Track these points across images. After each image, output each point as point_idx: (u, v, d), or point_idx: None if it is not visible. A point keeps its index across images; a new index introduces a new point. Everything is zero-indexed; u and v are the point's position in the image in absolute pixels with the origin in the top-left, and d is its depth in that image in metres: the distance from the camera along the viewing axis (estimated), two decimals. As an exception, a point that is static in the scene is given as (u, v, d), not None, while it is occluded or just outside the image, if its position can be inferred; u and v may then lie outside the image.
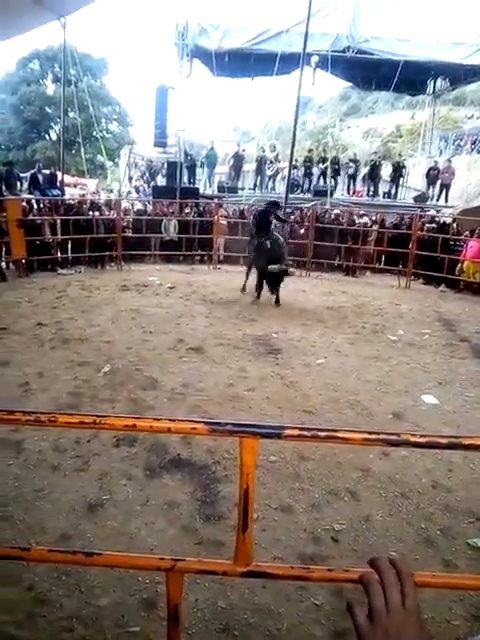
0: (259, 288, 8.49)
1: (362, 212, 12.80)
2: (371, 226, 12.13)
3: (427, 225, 11.70)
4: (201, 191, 15.89)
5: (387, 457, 3.80)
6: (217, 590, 2.51)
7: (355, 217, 12.47)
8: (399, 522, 3.12)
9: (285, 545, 2.86)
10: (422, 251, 10.89)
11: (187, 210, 13.02)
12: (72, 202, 12.09)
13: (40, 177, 13.23)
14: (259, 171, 17.04)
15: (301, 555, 2.77)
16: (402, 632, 0.58)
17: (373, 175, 17.13)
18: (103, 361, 5.46)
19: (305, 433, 1.28)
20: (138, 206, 13.33)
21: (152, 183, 17.37)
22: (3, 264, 9.81)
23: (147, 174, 18.35)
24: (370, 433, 1.31)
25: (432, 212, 13.82)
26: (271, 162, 16.85)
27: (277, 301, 8.50)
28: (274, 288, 8.40)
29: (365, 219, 12.14)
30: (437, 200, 16.34)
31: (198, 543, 2.84)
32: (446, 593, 2.48)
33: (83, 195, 14.97)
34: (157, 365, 5.44)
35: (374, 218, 12.64)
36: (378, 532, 3.01)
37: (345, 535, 2.97)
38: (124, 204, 12.78)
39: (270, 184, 17.40)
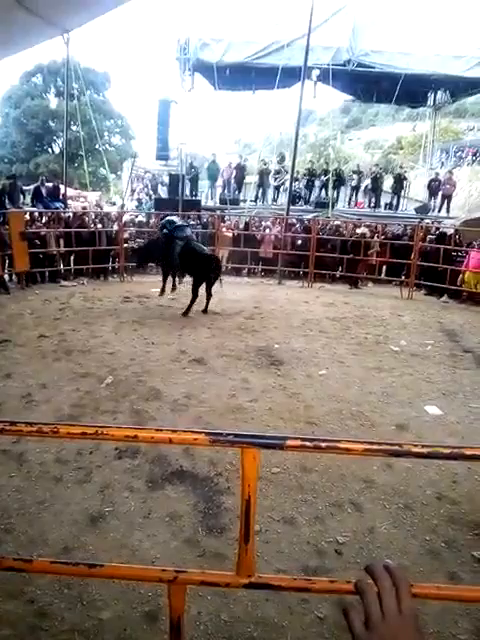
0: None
1: (362, 223, 12.82)
2: (371, 237, 12.15)
3: (429, 236, 11.72)
4: (203, 203, 15.97)
5: (391, 468, 3.77)
6: (220, 603, 2.49)
7: (356, 228, 12.50)
8: (403, 534, 3.09)
9: (288, 557, 2.84)
10: (424, 262, 10.91)
11: (191, 222, 13.08)
12: (73, 213, 12.13)
13: (43, 190, 13.31)
14: (261, 183, 17.13)
15: (304, 567, 2.75)
16: (398, 637, 0.58)
17: (375, 187, 17.22)
18: (105, 372, 5.47)
19: (307, 444, 1.28)
20: (140, 218, 13.40)
21: (154, 195, 17.48)
22: (6, 276, 9.85)
23: (149, 186, 18.48)
24: (372, 443, 1.31)
25: (427, 222, 13.82)
26: (278, 172, 16.91)
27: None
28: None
29: (363, 229, 12.15)
30: (439, 211, 16.41)
31: (200, 555, 2.82)
32: (451, 606, 2.46)
33: (84, 208, 15.05)
34: (159, 376, 5.44)
35: (375, 228, 12.66)
36: (382, 544, 2.99)
37: (349, 547, 2.95)
38: (126, 216, 12.85)
39: (271, 196, 17.49)
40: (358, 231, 12.14)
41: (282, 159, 17.91)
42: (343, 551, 2.91)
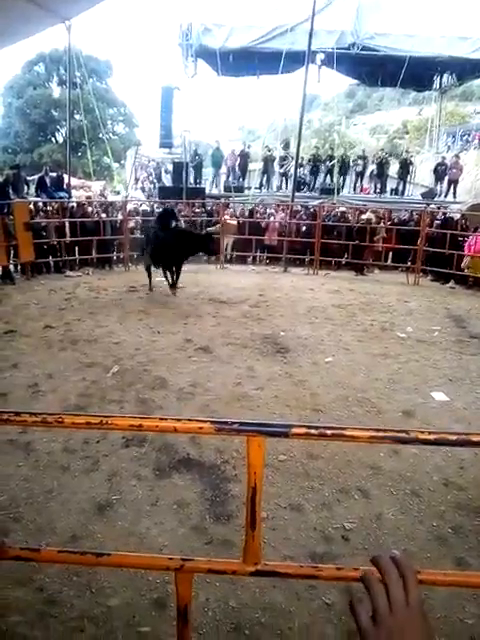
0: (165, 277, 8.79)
1: (368, 209, 12.71)
2: (377, 223, 12.05)
3: (435, 221, 11.60)
4: (207, 191, 15.90)
5: (397, 455, 3.77)
6: (228, 589, 2.50)
7: (361, 214, 12.40)
8: (410, 520, 3.09)
9: (295, 544, 2.85)
10: (431, 248, 10.83)
11: (197, 210, 13.05)
12: (76, 203, 12.10)
13: (47, 180, 13.29)
14: (265, 170, 17.00)
15: (312, 554, 2.76)
16: (405, 630, 0.57)
17: (380, 172, 17.07)
18: (111, 362, 5.48)
19: (312, 431, 1.27)
20: (144, 207, 13.36)
21: (158, 184, 17.41)
22: (11, 267, 9.86)
23: (153, 175, 18.40)
24: (377, 430, 1.30)
25: (434, 207, 13.68)
26: (283, 159, 16.77)
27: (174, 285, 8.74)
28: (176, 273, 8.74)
29: (369, 215, 12.04)
30: (445, 196, 16.25)
31: (208, 543, 2.83)
32: (459, 591, 2.46)
33: (89, 197, 15.02)
34: (165, 365, 5.44)
35: (382, 214, 12.55)
36: (389, 530, 2.99)
37: (356, 534, 2.95)
38: (131, 205, 12.81)
39: (276, 182, 17.37)
40: (363, 217, 12.04)
41: (287, 145, 17.75)
42: (350, 537, 2.92)
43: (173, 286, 8.74)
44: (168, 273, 8.74)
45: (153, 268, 8.93)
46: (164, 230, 8.52)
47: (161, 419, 1.33)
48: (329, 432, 1.28)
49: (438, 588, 2.37)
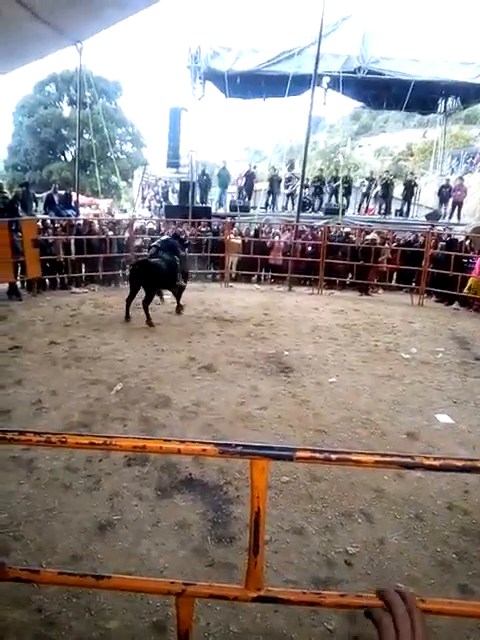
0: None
1: (373, 230, 12.77)
2: (382, 243, 12.10)
3: (440, 242, 11.62)
4: (213, 210, 16.03)
5: (401, 478, 3.73)
6: (229, 614, 2.46)
7: (366, 235, 12.45)
8: (414, 545, 3.05)
9: (298, 568, 2.82)
10: (435, 269, 10.85)
11: (203, 228, 13.14)
12: (83, 221, 12.20)
13: (56, 197, 13.45)
14: (271, 190, 17.15)
15: (314, 578, 2.72)
16: None
17: (385, 193, 17.19)
18: (115, 379, 5.48)
19: (317, 455, 1.27)
20: (151, 225, 13.47)
21: (165, 203, 17.57)
22: (18, 283, 9.93)
23: (159, 194, 18.58)
24: (383, 455, 1.29)
25: (438, 228, 13.71)
26: (289, 179, 16.92)
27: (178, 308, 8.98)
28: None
29: (373, 235, 12.10)
30: (450, 218, 16.33)
31: (209, 565, 2.80)
32: (463, 620, 2.41)
33: (97, 215, 15.17)
34: (169, 383, 5.44)
35: (386, 236, 12.61)
36: (392, 555, 2.95)
37: (359, 558, 2.91)
38: (137, 224, 12.92)
39: (281, 203, 17.50)
40: (368, 237, 12.10)
41: (291, 166, 17.93)
42: (353, 562, 2.88)
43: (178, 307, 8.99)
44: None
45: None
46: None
47: (165, 440, 1.33)
48: (334, 457, 1.27)
49: (441, 616, 2.32)
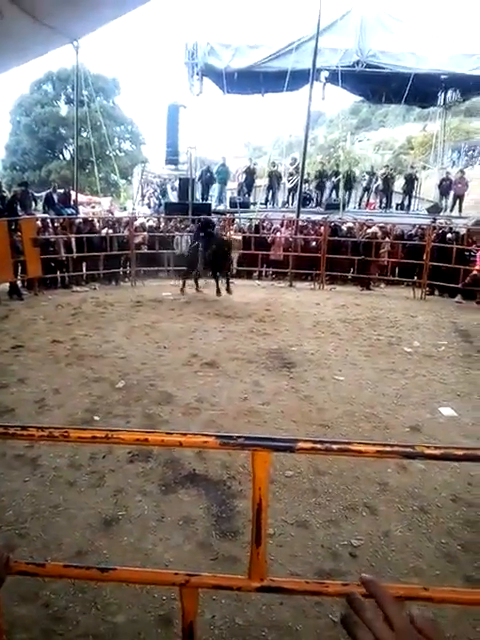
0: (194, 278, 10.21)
1: (374, 224, 12.72)
2: (383, 237, 12.06)
3: (448, 235, 11.50)
4: (213, 207, 16.01)
5: (405, 471, 3.74)
6: (234, 607, 2.48)
7: (367, 229, 12.40)
8: (418, 537, 3.06)
9: (302, 561, 2.83)
10: (437, 262, 10.81)
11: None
12: (83, 219, 12.20)
13: (55, 196, 13.45)
14: (271, 186, 17.12)
15: (319, 571, 2.73)
16: None
17: (386, 187, 17.15)
18: (118, 377, 5.49)
19: (318, 446, 1.27)
20: (151, 223, 13.46)
21: (163, 199, 17.55)
22: (19, 282, 9.94)
23: (158, 191, 18.58)
24: (384, 445, 1.30)
25: (440, 222, 13.65)
26: (291, 174, 16.86)
27: (223, 290, 9.80)
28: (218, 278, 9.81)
29: (374, 229, 12.06)
30: (451, 211, 16.28)
31: (214, 559, 2.81)
32: (468, 610, 2.42)
33: (95, 213, 15.18)
34: (171, 380, 5.45)
35: (387, 229, 12.56)
36: (397, 547, 2.96)
37: (363, 550, 2.92)
38: (137, 221, 12.90)
39: (281, 198, 17.47)
40: (369, 231, 12.06)
41: (294, 161, 17.88)
42: (358, 554, 2.89)
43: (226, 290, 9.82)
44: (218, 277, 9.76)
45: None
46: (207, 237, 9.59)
47: (167, 434, 1.33)
48: (335, 447, 1.28)
49: (448, 606, 2.33)
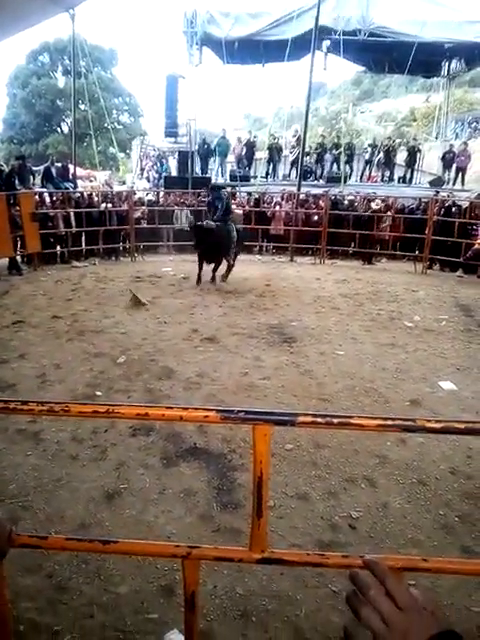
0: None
1: (376, 197, 12.58)
2: (385, 211, 11.94)
3: (453, 208, 11.36)
4: (213, 180, 15.82)
5: (404, 444, 3.77)
6: (235, 577, 2.52)
7: (373, 204, 12.25)
8: (417, 509, 3.10)
9: (302, 532, 2.87)
10: (439, 236, 10.72)
11: (203, 199, 12.94)
12: (80, 194, 12.06)
13: (53, 170, 13.27)
14: (271, 159, 16.87)
15: (319, 542, 2.77)
16: (412, 632, 0.56)
17: (388, 160, 16.92)
18: (119, 352, 5.50)
19: (319, 420, 1.27)
20: (150, 197, 13.32)
21: (163, 173, 17.33)
22: (18, 258, 9.89)
23: (157, 165, 18.33)
24: (385, 419, 1.29)
25: (443, 195, 13.49)
26: (294, 147, 16.58)
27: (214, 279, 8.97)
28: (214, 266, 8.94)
29: (377, 203, 11.94)
30: (453, 184, 16.08)
31: (215, 531, 2.85)
32: (465, 580, 2.46)
33: (93, 187, 15.00)
34: (172, 355, 5.45)
35: (388, 203, 12.42)
36: (396, 519, 3.00)
37: (363, 522, 2.96)
38: (137, 195, 12.77)
39: (282, 171, 17.23)
40: (373, 205, 11.95)
41: (297, 133, 17.56)
42: (357, 526, 2.93)
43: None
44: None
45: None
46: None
47: (167, 408, 1.33)
48: (336, 421, 1.27)
49: (445, 576, 2.37)
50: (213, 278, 8.93)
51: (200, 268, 8.76)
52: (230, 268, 9.13)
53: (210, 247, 8.39)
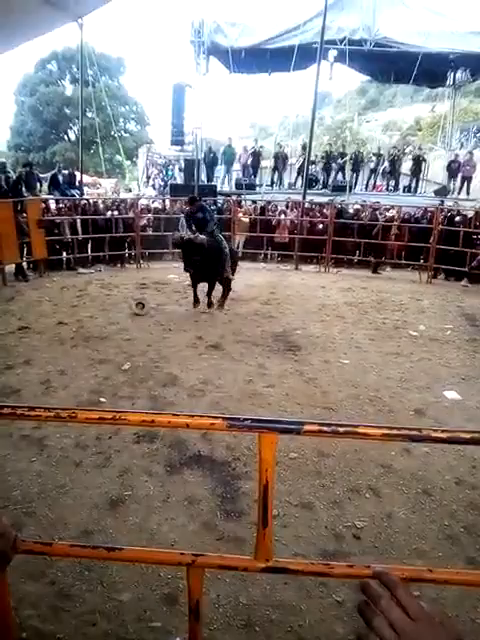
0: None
1: (390, 207, 12.57)
2: (391, 220, 11.95)
3: (458, 217, 11.35)
4: (218, 188, 15.87)
5: (409, 454, 3.75)
6: (239, 586, 2.51)
7: (378, 213, 12.25)
8: (422, 519, 3.08)
9: (306, 542, 2.85)
10: (444, 245, 10.71)
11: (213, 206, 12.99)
12: (86, 201, 12.13)
13: (60, 178, 13.37)
14: (277, 167, 16.92)
15: (323, 552, 2.76)
16: (432, 635, 0.56)
17: (393, 169, 16.94)
18: (123, 359, 5.50)
19: (324, 428, 1.27)
20: (156, 204, 13.38)
21: (169, 181, 17.41)
22: (24, 264, 9.94)
23: (164, 172, 18.43)
24: (391, 428, 1.29)
25: (448, 204, 13.47)
26: (301, 155, 16.60)
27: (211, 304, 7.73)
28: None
29: (393, 212, 11.96)
30: (458, 193, 16.08)
31: (219, 539, 2.84)
32: (470, 591, 2.44)
33: (99, 194, 15.10)
34: (176, 362, 5.46)
35: (393, 214, 12.43)
36: (400, 529, 2.98)
37: (367, 532, 2.95)
38: (142, 202, 12.83)
39: (288, 180, 17.27)
40: (388, 214, 11.95)
41: (304, 146, 17.62)
42: (361, 536, 2.91)
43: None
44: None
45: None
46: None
47: (174, 415, 1.33)
48: (342, 429, 1.27)
49: (450, 587, 2.35)
50: (209, 303, 7.68)
51: (194, 288, 7.61)
52: (227, 292, 7.95)
53: (202, 265, 7.10)
